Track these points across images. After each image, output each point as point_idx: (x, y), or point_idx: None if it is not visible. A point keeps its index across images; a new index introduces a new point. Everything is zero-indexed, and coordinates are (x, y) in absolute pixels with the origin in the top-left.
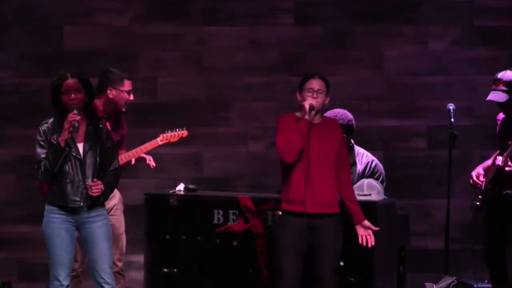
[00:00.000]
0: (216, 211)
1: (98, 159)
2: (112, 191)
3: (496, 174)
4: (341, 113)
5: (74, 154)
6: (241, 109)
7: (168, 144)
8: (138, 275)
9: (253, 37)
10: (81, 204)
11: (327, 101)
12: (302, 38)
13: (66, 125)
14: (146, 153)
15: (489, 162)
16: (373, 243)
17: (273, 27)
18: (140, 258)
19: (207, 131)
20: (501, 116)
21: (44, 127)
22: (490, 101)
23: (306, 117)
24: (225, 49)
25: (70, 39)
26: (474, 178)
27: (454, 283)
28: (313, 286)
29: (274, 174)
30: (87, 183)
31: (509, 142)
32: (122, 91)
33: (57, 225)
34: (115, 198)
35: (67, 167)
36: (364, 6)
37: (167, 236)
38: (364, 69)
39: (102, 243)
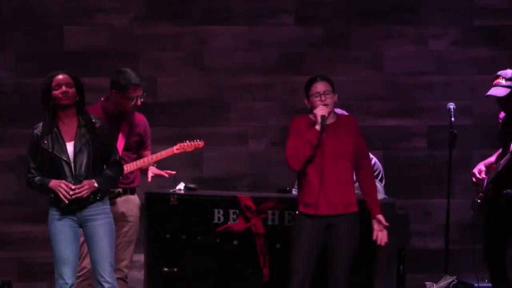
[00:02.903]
0: (216, 211)
1: (91, 158)
2: (112, 184)
3: (497, 174)
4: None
5: (63, 157)
6: (241, 109)
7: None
8: (138, 275)
9: (253, 37)
10: (72, 206)
11: (336, 98)
12: (302, 38)
13: (61, 191)
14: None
15: (491, 159)
16: (385, 240)
17: (273, 27)
18: (140, 257)
19: (207, 131)
20: (502, 115)
21: (36, 132)
22: (490, 95)
23: (317, 127)
24: (225, 49)
25: (70, 39)
26: (477, 175)
27: (454, 282)
28: (326, 284)
29: (274, 173)
30: (72, 186)
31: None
32: (124, 97)
33: (60, 222)
34: (134, 204)
35: (58, 170)
36: (364, 6)
37: (167, 236)
38: (364, 69)
39: (102, 242)
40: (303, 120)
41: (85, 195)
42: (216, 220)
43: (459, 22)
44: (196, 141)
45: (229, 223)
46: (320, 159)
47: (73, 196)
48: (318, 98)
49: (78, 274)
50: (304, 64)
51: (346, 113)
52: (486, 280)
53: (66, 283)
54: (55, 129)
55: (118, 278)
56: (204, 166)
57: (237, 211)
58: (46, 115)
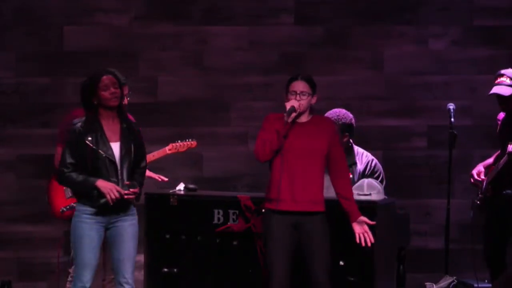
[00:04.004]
0: (216, 211)
1: (133, 160)
2: (141, 190)
3: (496, 174)
4: (343, 113)
5: (109, 157)
6: (241, 109)
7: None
8: (138, 275)
9: (253, 37)
10: (110, 206)
11: (313, 101)
12: (302, 38)
13: (111, 194)
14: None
15: (490, 160)
16: (372, 240)
17: (273, 27)
18: (140, 258)
19: (207, 131)
20: (501, 116)
21: (76, 127)
22: (494, 94)
23: (285, 118)
24: (225, 49)
25: (70, 39)
26: (475, 176)
27: (454, 282)
28: (310, 286)
29: None
30: (123, 192)
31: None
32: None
33: (88, 225)
34: None
35: (101, 169)
36: (364, 6)
37: (167, 236)
38: (364, 69)
39: (129, 243)
40: (275, 117)
41: (132, 198)
42: (216, 221)
43: (459, 22)
44: (189, 140)
45: (229, 223)
46: (287, 155)
47: (129, 196)
48: (294, 97)
49: (68, 279)
50: (304, 64)
51: (348, 113)
52: (486, 281)
53: (84, 287)
54: (100, 127)
55: (113, 279)
56: (204, 166)
57: (237, 212)
58: (88, 113)
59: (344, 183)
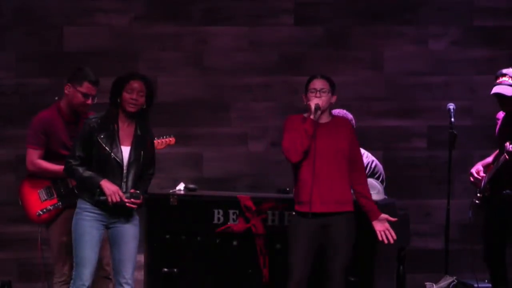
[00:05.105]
0: (216, 211)
1: (140, 167)
2: (146, 196)
3: (495, 174)
4: (342, 113)
5: (117, 159)
6: (241, 109)
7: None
8: (138, 275)
9: (253, 37)
10: (109, 206)
11: (333, 99)
12: (302, 38)
13: (112, 197)
14: None
15: (489, 159)
16: (394, 237)
17: (273, 27)
18: (140, 258)
19: (207, 131)
20: (500, 115)
21: (92, 123)
22: (496, 93)
23: (312, 116)
24: (225, 49)
25: (70, 39)
26: (475, 174)
27: (454, 282)
28: (323, 283)
29: (274, 173)
30: (125, 199)
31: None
32: (77, 91)
33: (89, 223)
34: None
35: (107, 169)
36: (364, 6)
37: (167, 236)
38: (364, 69)
39: (130, 243)
40: (298, 118)
41: (136, 208)
42: (216, 221)
43: (459, 22)
44: (167, 137)
45: (229, 223)
46: (312, 156)
47: (130, 205)
48: (314, 94)
49: (60, 280)
50: (304, 64)
51: (348, 113)
52: (486, 280)
53: (84, 285)
54: (114, 128)
55: (104, 277)
56: (204, 167)
57: (237, 212)
58: (109, 110)
59: (362, 181)
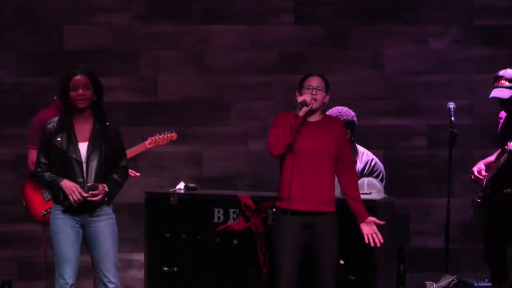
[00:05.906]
0: (216, 210)
1: (102, 160)
2: (119, 190)
3: (497, 172)
4: (344, 110)
5: (75, 157)
6: (241, 108)
7: (168, 143)
8: (138, 274)
9: (253, 36)
10: (79, 208)
11: (326, 99)
12: (302, 38)
13: (73, 195)
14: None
15: (491, 158)
16: (381, 240)
17: (273, 27)
18: (140, 257)
19: (207, 130)
20: (503, 114)
21: (48, 127)
22: (494, 97)
23: (298, 112)
24: (225, 48)
25: (70, 39)
26: (476, 173)
27: (454, 282)
28: (313, 285)
29: (274, 173)
30: (84, 194)
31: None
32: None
33: (62, 221)
34: None
35: (69, 169)
36: (364, 6)
37: (167, 235)
38: (364, 69)
39: (107, 243)
40: (289, 114)
41: (99, 200)
42: (216, 220)
43: (459, 22)
44: (168, 133)
45: (229, 222)
46: (298, 155)
47: (92, 199)
48: (310, 91)
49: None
50: (304, 63)
51: (350, 110)
52: (486, 280)
53: (67, 283)
54: (70, 127)
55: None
56: (204, 166)
57: (237, 211)
58: (62, 111)
59: (352, 183)
